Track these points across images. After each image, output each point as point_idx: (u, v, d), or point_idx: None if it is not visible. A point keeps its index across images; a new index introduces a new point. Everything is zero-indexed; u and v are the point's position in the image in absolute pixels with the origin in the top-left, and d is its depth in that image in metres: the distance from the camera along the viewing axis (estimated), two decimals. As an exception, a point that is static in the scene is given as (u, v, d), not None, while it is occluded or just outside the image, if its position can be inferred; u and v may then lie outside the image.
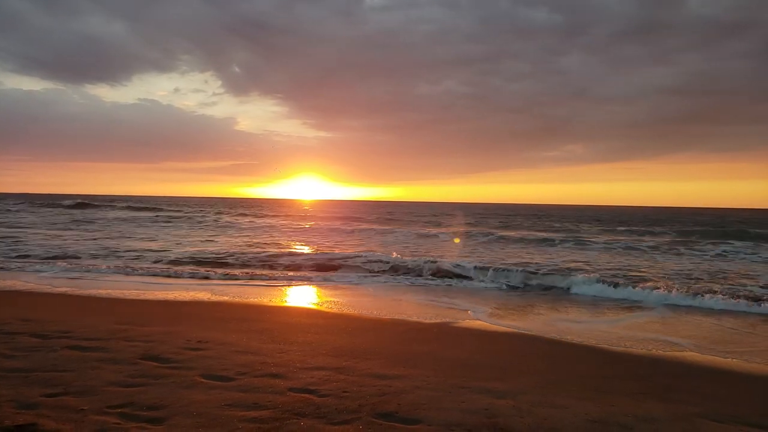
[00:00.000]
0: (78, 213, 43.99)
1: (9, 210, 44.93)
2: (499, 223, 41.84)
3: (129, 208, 53.49)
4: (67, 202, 55.59)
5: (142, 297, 9.62)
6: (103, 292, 9.95)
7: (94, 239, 21.85)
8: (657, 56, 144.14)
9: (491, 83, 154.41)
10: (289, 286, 11.66)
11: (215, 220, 38.86)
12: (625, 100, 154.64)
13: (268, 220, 40.62)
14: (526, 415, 3.89)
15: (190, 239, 23.33)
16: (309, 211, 61.41)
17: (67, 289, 10.32)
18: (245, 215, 47.37)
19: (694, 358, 6.25)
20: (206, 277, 12.56)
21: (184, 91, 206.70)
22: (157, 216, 42.32)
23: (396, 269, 14.22)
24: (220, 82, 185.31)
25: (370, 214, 53.56)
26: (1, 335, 5.75)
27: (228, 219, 41.12)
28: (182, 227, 31.53)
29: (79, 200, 60.12)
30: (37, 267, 13.54)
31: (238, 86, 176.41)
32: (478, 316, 8.51)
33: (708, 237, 28.39)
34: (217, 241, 22.32)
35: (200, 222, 36.37)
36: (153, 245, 19.88)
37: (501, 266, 14.23)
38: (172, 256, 16.16)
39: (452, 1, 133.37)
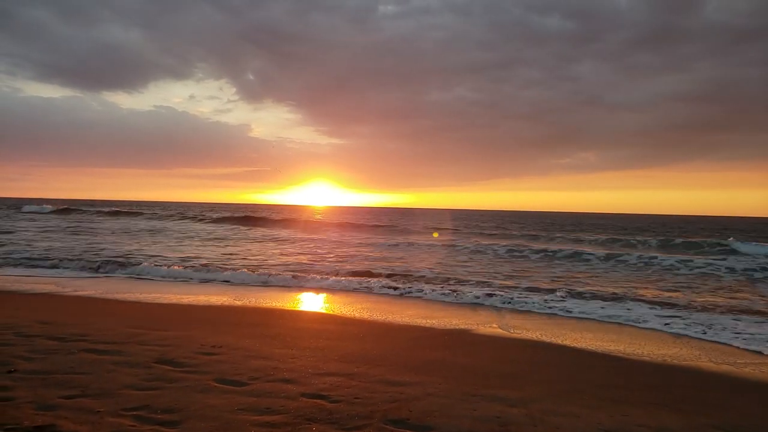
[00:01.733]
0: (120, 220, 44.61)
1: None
2: (489, 232, 38.96)
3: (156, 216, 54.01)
4: (44, 207, 54.51)
5: (156, 301, 9.73)
6: (118, 296, 10.08)
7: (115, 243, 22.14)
8: (670, 63, 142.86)
9: (503, 90, 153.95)
10: (300, 291, 11.72)
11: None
12: (638, 107, 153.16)
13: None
14: (538, 424, 3.89)
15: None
16: (319, 219, 61.40)
17: (83, 292, 10.48)
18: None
19: (709, 368, 6.18)
20: (225, 281, 12.71)
21: (199, 98, 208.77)
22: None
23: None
24: (234, 89, 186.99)
25: (374, 221, 53.04)
26: (21, 338, 5.87)
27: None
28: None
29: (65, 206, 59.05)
30: (53, 270, 13.79)
31: (252, 93, 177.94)
32: (489, 324, 8.49)
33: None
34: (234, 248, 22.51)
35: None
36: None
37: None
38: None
39: (464, 8, 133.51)
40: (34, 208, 54.22)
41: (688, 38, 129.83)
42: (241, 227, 37.98)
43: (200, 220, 46.24)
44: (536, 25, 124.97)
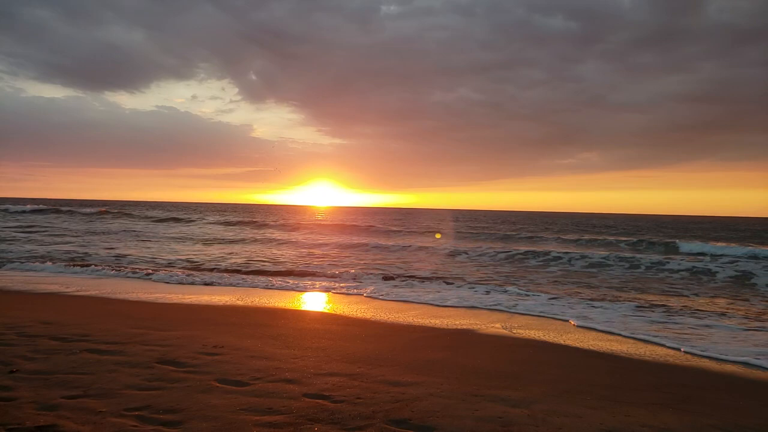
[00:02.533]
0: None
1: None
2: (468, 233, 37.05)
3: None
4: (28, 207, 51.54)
5: (158, 301, 9.74)
6: (120, 296, 10.09)
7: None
8: (673, 64, 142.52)
9: (506, 91, 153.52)
10: (303, 292, 11.72)
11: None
12: (640, 107, 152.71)
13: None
14: (540, 424, 3.88)
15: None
16: (321, 219, 61.13)
17: (85, 292, 10.49)
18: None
19: (711, 368, 6.16)
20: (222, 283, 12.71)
21: (201, 98, 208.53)
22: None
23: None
24: (237, 90, 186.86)
25: (366, 221, 52.15)
26: (23, 338, 5.88)
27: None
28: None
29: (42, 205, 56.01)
30: (60, 269, 13.83)
31: (254, 93, 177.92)
32: (491, 324, 8.48)
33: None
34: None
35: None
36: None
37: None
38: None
39: (467, 8, 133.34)
40: (14, 207, 51.68)
41: (691, 38, 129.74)
42: (221, 228, 36.89)
43: (188, 221, 44.13)
44: (539, 26, 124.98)
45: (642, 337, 7.70)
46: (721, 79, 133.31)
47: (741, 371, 6.09)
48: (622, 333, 7.97)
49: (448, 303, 10.46)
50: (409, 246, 24.11)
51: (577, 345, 7.15)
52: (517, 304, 10.30)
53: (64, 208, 53.77)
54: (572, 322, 8.74)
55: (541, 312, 9.63)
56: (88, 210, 52.57)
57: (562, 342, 7.32)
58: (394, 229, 37.80)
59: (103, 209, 54.98)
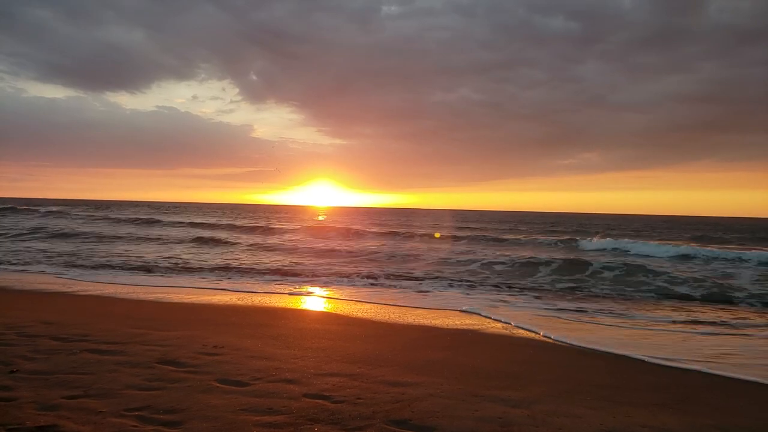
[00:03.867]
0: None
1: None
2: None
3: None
4: None
5: (159, 301, 9.74)
6: (120, 296, 10.09)
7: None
8: (674, 64, 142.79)
9: (506, 91, 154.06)
10: (303, 292, 11.72)
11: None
12: (641, 108, 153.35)
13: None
14: (540, 425, 3.88)
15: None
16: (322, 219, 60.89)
17: (86, 292, 10.49)
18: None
19: (711, 369, 6.16)
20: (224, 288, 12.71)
21: (202, 98, 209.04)
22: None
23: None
24: (237, 90, 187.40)
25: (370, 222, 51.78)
26: (24, 338, 5.88)
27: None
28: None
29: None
30: (60, 269, 13.83)
31: (255, 94, 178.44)
32: (492, 324, 8.48)
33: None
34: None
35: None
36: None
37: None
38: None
39: (468, 8, 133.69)
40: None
41: (691, 39, 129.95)
42: (191, 230, 33.37)
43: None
44: (539, 26, 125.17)
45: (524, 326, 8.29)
46: (721, 79, 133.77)
47: (738, 371, 6.08)
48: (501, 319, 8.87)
49: (432, 304, 10.47)
50: (408, 246, 24.15)
51: (573, 344, 7.16)
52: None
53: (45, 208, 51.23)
54: (483, 314, 9.41)
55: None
56: (42, 209, 49.69)
57: (564, 342, 7.32)
58: (393, 230, 37.63)
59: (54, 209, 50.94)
